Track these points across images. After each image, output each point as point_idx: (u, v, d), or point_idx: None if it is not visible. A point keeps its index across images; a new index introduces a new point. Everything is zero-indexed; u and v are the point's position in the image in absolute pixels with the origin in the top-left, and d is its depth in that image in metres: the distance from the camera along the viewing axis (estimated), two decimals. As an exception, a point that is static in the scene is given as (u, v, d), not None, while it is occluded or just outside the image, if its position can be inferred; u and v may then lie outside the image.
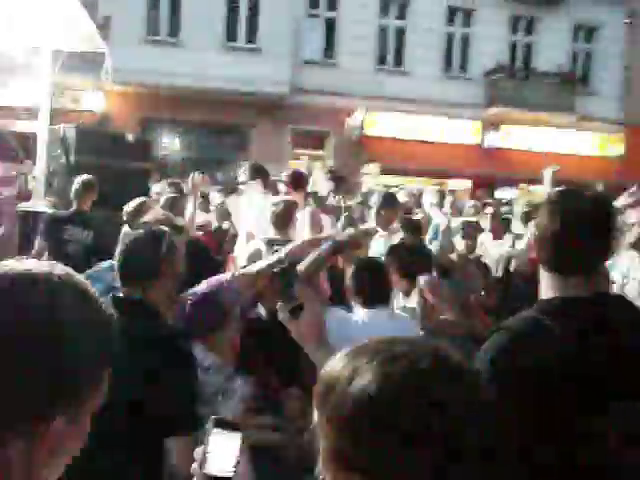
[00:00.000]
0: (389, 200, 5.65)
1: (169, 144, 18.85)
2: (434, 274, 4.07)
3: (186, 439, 2.12)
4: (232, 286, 3.03)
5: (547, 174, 8.21)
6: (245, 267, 3.70)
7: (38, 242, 5.95)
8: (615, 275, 5.38)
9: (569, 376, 1.66)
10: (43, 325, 0.92)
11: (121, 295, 2.47)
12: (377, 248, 5.22)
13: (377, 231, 5.34)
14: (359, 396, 0.87)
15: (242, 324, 3.08)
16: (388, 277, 3.59)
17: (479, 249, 7.37)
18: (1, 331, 0.90)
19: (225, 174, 16.54)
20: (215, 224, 7.86)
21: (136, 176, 7.20)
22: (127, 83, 17.01)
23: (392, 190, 8.91)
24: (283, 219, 5.06)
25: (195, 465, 1.05)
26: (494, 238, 7.99)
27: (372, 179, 18.17)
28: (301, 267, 2.98)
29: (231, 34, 18.10)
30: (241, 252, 5.45)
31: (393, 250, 4.36)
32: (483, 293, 5.66)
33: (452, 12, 20.21)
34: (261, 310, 3.71)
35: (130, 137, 7.71)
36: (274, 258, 3.32)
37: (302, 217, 5.71)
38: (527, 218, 8.22)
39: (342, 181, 7.50)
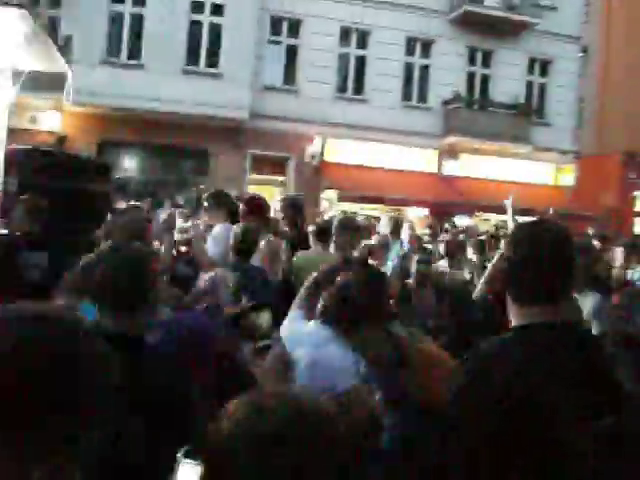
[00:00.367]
0: (346, 225, 5.70)
1: (128, 167, 18.71)
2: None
3: None
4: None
5: (508, 203, 8.37)
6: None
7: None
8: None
9: (531, 402, 1.72)
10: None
11: (113, 328, 2.34)
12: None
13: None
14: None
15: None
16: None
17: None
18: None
19: (185, 197, 16.45)
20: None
21: (93, 198, 7.11)
22: (86, 104, 16.85)
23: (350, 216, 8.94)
24: (244, 245, 5.08)
25: None
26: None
27: (330, 206, 18.30)
28: None
29: (192, 58, 18.11)
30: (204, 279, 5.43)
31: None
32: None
33: (411, 43, 20.56)
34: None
35: (87, 159, 7.62)
36: None
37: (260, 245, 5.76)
38: (481, 246, 8.34)
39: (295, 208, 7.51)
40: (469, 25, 20.53)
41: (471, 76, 21.35)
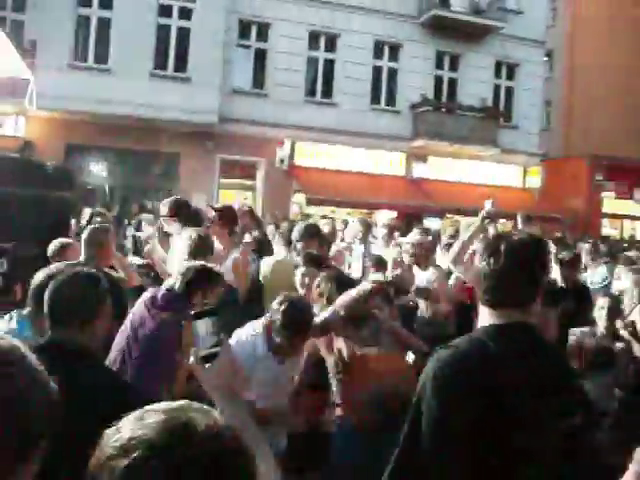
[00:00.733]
0: (309, 232, 5.70)
1: (95, 172, 18.52)
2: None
3: None
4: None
5: (487, 205, 8.41)
6: None
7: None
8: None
9: (505, 392, 1.83)
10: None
11: (58, 339, 2.41)
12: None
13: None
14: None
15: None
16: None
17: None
18: None
19: (154, 203, 16.35)
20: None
21: (56, 206, 7.01)
22: (52, 109, 16.66)
23: (313, 221, 8.94)
24: (198, 251, 5.04)
25: None
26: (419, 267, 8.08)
27: (299, 209, 18.33)
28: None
29: (160, 62, 17.98)
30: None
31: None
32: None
33: (379, 46, 20.66)
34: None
35: (50, 165, 7.51)
36: None
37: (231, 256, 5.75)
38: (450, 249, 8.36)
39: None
40: (437, 29, 20.69)
41: (439, 79, 21.51)
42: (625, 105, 26.63)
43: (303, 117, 19.23)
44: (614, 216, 25.71)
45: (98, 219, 8.47)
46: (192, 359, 1.71)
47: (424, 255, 6.54)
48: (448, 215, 20.05)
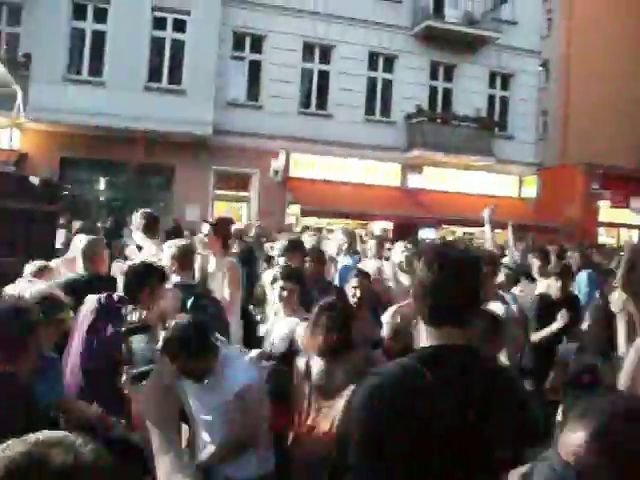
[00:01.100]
0: (292, 246, 5.72)
1: (90, 184, 18.55)
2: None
3: None
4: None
5: (486, 214, 8.41)
6: None
7: None
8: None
9: (436, 421, 1.75)
10: None
11: None
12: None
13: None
14: None
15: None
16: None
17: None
18: None
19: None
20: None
21: (39, 219, 7.00)
22: (47, 121, 16.73)
23: (295, 236, 8.90)
24: (182, 262, 5.05)
25: None
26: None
27: (297, 221, 18.33)
28: None
29: (154, 75, 18.02)
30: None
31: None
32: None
33: (374, 58, 20.70)
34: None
35: (34, 178, 7.50)
36: None
37: (221, 269, 5.80)
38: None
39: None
40: (431, 40, 20.74)
41: (434, 90, 21.54)
42: (621, 114, 26.71)
43: (298, 128, 19.26)
44: (610, 225, 25.67)
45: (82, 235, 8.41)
46: (124, 378, 1.70)
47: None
48: (444, 226, 20.08)
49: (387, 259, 8.79)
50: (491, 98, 22.25)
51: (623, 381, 3.03)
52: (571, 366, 4.73)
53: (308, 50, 20.10)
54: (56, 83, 16.89)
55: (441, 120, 21.09)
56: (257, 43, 19.62)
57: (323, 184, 19.22)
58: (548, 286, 6.65)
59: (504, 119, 22.44)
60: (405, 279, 6.38)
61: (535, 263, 7.55)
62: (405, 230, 18.16)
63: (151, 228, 6.12)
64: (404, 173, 20.66)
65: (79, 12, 17.59)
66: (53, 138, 17.30)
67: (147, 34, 17.80)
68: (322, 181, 19.34)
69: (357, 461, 1.75)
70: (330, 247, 8.57)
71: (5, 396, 2.32)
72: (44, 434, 1.02)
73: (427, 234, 19.59)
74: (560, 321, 5.79)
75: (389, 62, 20.96)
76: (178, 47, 18.22)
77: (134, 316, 3.37)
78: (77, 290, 4.27)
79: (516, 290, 6.93)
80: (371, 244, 8.52)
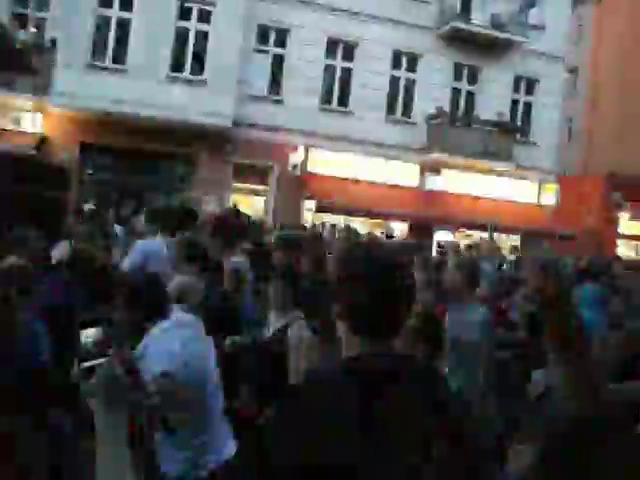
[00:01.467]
0: (288, 244, 5.70)
1: (108, 171, 18.67)
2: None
3: None
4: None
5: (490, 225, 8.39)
6: None
7: None
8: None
9: (356, 433, 1.66)
10: None
11: None
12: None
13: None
14: None
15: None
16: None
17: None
18: None
19: (166, 204, 16.41)
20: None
21: (49, 205, 7.04)
22: (69, 106, 16.87)
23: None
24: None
25: None
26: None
27: (310, 216, 18.33)
28: None
29: (177, 65, 18.10)
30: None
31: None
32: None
33: (397, 57, 20.62)
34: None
35: (45, 163, 7.55)
36: None
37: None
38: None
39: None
40: (456, 41, 20.63)
41: (456, 92, 21.44)
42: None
43: (318, 124, 19.25)
44: (630, 237, 25.41)
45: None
46: (75, 370, 1.68)
47: None
48: (460, 229, 19.98)
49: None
50: (514, 103, 22.06)
51: None
52: None
53: (332, 46, 20.07)
54: (80, 69, 17.02)
55: (462, 123, 20.94)
56: (281, 37, 19.62)
57: (340, 181, 19.18)
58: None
59: (527, 125, 22.25)
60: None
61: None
62: (421, 231, 18.15)
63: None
64: (423, 174, 20.56)
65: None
66: (74, 123, 17.45)
67: (172, 24, 17.87)
68: (339, 178, 19.29)
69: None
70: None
71: None
72: None
73: (442, 236, 19.56)
74: None
75: (413, 62, 20.86)
76: (202, 38, 18.26)
77: None
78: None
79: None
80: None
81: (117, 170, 18.71)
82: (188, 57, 18.26)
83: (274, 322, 4.53)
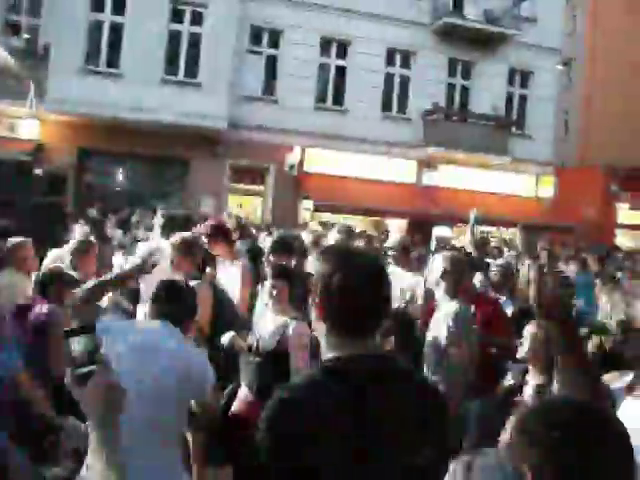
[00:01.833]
0: (281, 246, 5.69)
1: (106, 175, 18.70)
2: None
3: None
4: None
5: (471, 216, 8.36)
6: None
7: None
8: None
9: (345, 434, 1.68)
10: None
11: None
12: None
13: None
14: None
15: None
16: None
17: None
18: None
19: (164, 207, 16.39)
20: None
21: (43, 210, 7.07)
22: (64, 112, 16.88)
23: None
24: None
25: None
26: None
27: (311, 216, 18.33)
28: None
29: (171, 67, 18.09)
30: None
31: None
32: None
33: (391, 54, 20.61)
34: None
35: (39, 170, 7.57)
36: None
37: (234, 270, 5.84)
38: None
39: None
40: (450, 37, 20.62)
41: (451, 87, 21.43)
42: (642, 115, 26.37)
43: (313, 124, 19.25)
44: (629, 227, 25.39)
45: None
46: (68, 378, 1.67)
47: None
48: (459, 224, 19.95)
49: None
50: (509, 96, 22.06)
51: None
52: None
53: (325, 45, 20.08)
54: (74, 74, 17.00)
55: (458, 118, 20.96)
56: (274, 37, 19.63)
57: (338, 180, 19.17)
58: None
59: (522, 117, 22.25)
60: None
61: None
62: (420, 227, 18.13)
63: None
64: (420, 170, 20.57)
65: (97, 4, 17.68)
66: (71, 129, 17.46)
67: (165, 27, 17.87)
68: (337, 177, 19.29)
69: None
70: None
71: None
72: None
73: (441, 232, 19.53)
74: None
75: (407, 58, 20.87)
76: (195, 40, 18.27)
77: None
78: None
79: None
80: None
81: (114, 174, 18.73)
82: (182, 59, 18.26)
83: (273, 322, 4.54)
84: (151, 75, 17.54)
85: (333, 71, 20.29)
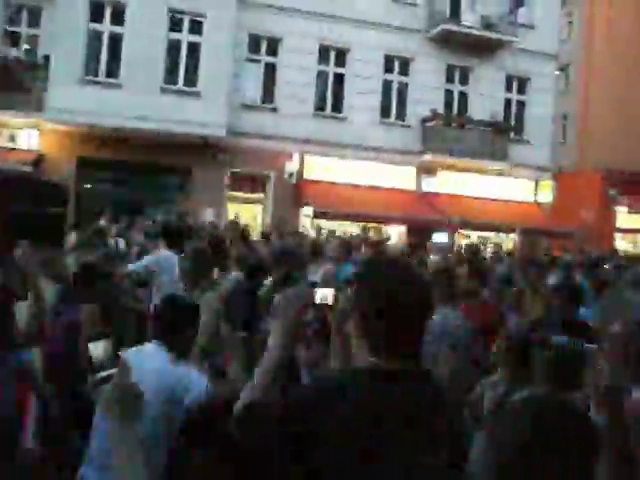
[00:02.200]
0: (281, 253, 5.72)
1: (106, 185, 18.73)
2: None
3: None
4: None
5: (456, 222, 8.36)
6: None
7: None
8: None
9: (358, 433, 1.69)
10: None
11: None
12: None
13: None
14: None
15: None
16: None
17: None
18: None
19: (164, 216, 16.44)
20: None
21: (44, 221, 7.05)
22: (64, 122, 16.95)
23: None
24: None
25: None
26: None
27: (312, 223, 18.37)
28: None
29: (171, 76, 18.15)
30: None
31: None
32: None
33: (389, 60, 20.69)
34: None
35: (40, 180, 7.57)
36: None
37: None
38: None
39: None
40: (447, 43, 20.71)
41: (449, 94, 21.52)
42: (640, 119, 26.46)
43: (312, 131, 19.32)
44: (628, 231, 25.46)
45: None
46: (89, 382, 1.71)
47: None
48: (459, 230, 20.00)
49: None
50: (507, 102, 22.14)
51: None
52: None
53: (324, 53, 20.15)
54: (74, 84, 17.05)
55: (456, 124, 21.02)
56: (273, 45, 19.71)
57: (337, 187, 19.24)
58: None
59: (520, 123, 22.32)
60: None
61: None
62: (419, 234, 18.17)
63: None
64: (418, 176, 20.63)
65: (97, 14, 17.73)
66: (70, 139, 17.53)
67: (163, 36, 17.93)
68: (336, 184, 19.35)
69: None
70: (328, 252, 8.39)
71: None
72: None
73: (441, 238, 19.57)
74: None
75: (405, 65, 20.95)
76: (194, 49, 18.33)
77: None
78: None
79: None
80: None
81: (114, 183, 18.77)
82: (181, 69, 18.32)
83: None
84: (150, 84, 17.58)
85: (331, 78, 20.37)
